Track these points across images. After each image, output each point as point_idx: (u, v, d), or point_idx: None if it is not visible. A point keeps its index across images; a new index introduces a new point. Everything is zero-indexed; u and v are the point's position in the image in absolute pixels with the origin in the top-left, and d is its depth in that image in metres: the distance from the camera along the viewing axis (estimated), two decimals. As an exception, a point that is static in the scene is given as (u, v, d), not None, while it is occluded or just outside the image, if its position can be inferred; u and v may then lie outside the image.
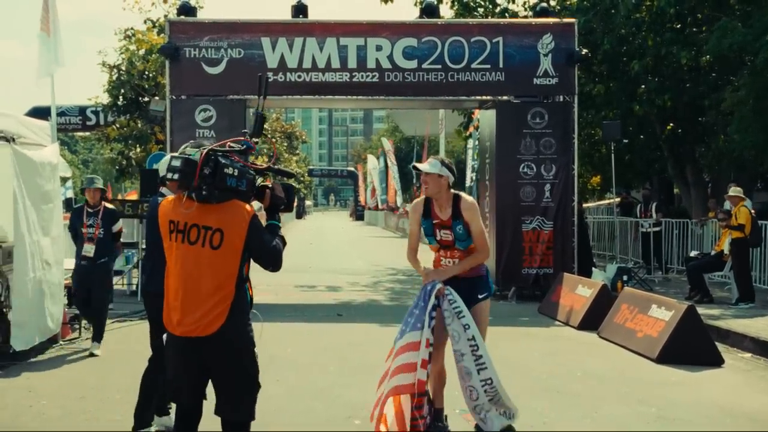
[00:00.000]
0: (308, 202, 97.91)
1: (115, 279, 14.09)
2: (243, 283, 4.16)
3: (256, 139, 4.29)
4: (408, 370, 5.67)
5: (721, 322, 10.87)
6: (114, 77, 21.97)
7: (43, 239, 8.96)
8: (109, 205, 9.87)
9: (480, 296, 5.99)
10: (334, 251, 28.77)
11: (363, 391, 7.46)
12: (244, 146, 4.16)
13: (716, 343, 9.41)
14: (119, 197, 24.75)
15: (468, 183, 31.90)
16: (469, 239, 5.91)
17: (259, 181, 4.24)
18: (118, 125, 22.49)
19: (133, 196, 20.74)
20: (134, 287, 13.57)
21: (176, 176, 4.01)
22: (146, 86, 21.38)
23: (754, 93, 15.78)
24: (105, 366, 8.57)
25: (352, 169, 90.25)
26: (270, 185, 4.26)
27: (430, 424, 5.95)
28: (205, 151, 3.98)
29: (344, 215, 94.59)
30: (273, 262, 4.18)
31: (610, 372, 8.60)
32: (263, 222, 4.26)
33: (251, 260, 4.23)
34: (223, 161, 3.98)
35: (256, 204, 4.26)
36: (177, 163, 4.00)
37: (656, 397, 7.47)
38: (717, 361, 8.99)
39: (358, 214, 75.75)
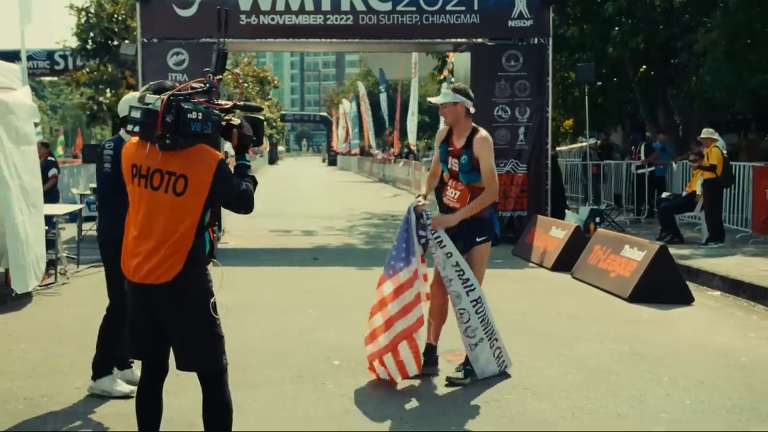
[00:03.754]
0: (281, 148, 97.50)
1: (88, 225, 14.05)
2: (203, 231, 3.97)
3: (219, 77, 4.05)
4: (409, 309, 5.85)
5: (692, 262, 11.06)
6: (83, 20, 21.57)
7: (27, 182, 8.86)
8: None
9: (478, 239, 5.99)
10: (308, 196, 28.75)
11: (342, 333, 7.56)
12: (208, 86, 3.95)
13: (687, 282, 9.58)
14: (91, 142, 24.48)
15: (441, 126, 31.92)
16: (472, 172, 5.92)
17: (227, 118, 4.02)
18: (87, 69, 22.20)
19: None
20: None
21: (137, 129, 3.83)
22: (116, 29, 21.05)
23: (726, 34, 15.83)
24: (82, 311, 8.55)
25: (325, 114, 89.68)
26: (237, 123, 4.03)
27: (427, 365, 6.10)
28: (166, 97, 3.77)
29: (317, 160, 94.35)
30: (243, 206, 3.99)
31: (583, 311, 8.75)
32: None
33: (220, 205, 4.05)
34: (186, 106, 3.78)
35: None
36: (137, 114, 3.81)
37: (629, 334, 7.62)
38: (687, 300, 9.17)
39: (331, 160, 75.53)
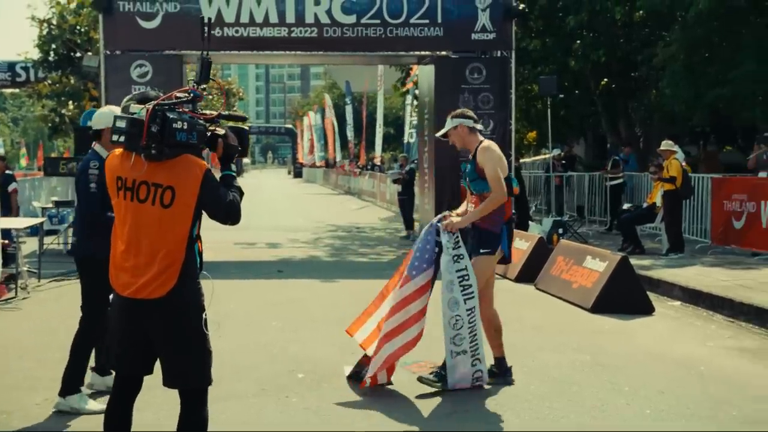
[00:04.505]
0: (246, 160, 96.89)
1: (50, 238, 13.91)
2: (193, 243, 3.92)
3: (204, 86, 4.02)
4: (413, 322, 5.96)
5: (653, 272, 11.20)
6: (44, 32, 21.40)
7: None
8: None
9: (482, 250, 6.15)
10: (273, 208, 28.64)
11: (306, 346, 7.56)
12: (192, 95, 3.90)
13: (647, 293, 9.70)
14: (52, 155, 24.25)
15: (406, 139, 31.98)
16: (477, 180, 6.14)
17: (212, 128, 3.99)
18: (50, 81, 22.03)
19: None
20: (69, 247, 13.37)
21: (122, 139, 3.75)
22: (79, 41, 20.90)
23: (685, 48, 16.11)
24: (43, 326, 8.48)
25: (290, 126, 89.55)
26: (222, 133, 3.99)
27: (498, 375, 6.30)
28: (151, 107, 3.71)
29: (282, 173, 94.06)
30: (231, 217, 3.93)
31: (546, 322, 8.83)
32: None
33: (207, 216, 3.98)
34: (171, 116, 3.72)
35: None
36: (122, 124, 3.74)
37: (590, 345, 7.70)
38: (648, 310, 9.28)
39: (297, 172, 75.38)
